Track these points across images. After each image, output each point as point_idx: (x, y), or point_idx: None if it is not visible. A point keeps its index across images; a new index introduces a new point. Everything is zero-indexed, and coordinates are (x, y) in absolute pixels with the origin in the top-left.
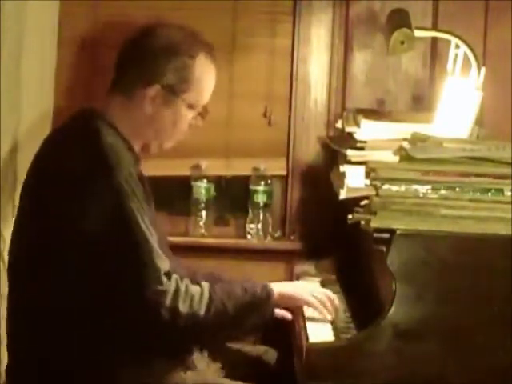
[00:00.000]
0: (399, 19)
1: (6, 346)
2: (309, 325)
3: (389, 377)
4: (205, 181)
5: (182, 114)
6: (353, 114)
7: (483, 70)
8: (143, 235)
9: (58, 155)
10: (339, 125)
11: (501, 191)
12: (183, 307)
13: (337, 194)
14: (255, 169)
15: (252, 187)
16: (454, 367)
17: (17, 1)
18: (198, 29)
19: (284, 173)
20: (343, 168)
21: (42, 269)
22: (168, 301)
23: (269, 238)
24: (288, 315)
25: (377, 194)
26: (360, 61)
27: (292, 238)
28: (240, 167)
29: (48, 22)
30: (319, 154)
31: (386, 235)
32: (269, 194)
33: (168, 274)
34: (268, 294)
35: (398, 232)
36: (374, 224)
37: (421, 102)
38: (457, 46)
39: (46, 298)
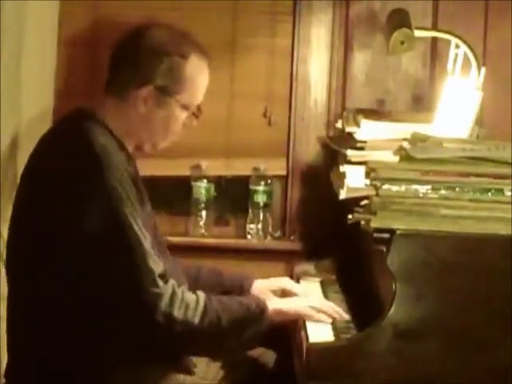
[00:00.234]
0: (399, 19)
1: (5, 346)
2: (309, 325)
3: (389, 377)
4: (205, 181)
5: (176, 115)
6: (353, 113)
7: (483, 69)
8: (136, 238)
9: (50, 156)
10: (339, 125)
11: (501, 191)
12: (178, 313)
13: (337, 194)
14: (255, 169)
15: (252, 187)
16: (454, 367)
17: (17, 1)
18: (198, 29)
19: (284, 173)
20: (343, 168)
21: (39, 270)
22: (163, 304)
23: (269, 237)
24: None
25: (377, 194)
26: (360, 61)
27: (292, 238)
28: (240, 167)
29: (48, 22)
30: (319, 154)
31: (386, 235)
32: (269, 194)
33: (163, 277)
34: (262, 309)
35: (398, 232)
36: (374, 224)
37: (421, 102)
38: (457, 46)
39: (43, 299)
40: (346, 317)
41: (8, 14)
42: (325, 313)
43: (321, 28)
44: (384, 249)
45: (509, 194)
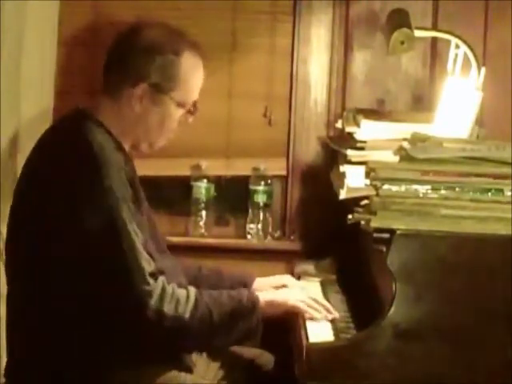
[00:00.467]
0: (399, 19)
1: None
2: (309, 325)
3: (389, 377)
4: (205, 181)
5: (171, 113)
6: (353, 113)
7: (483, 70)
8: (129, 237)
9: (48, 157)
10: (339, 125)
11: (501, 191)
12: (168, 309)
13: (337, 194)
14: (255, 169)
15: (252, 187)
16: (454, 367)
17: (17, 1)
18: (198, 29)
19: (284, 173)
20: (343, 168)
21: (38, 269)
22: (153, 301)
23: (269, 237)
24: None
25: (377, 194)
26: (360, 61)
27: (292, 238)
28: (240, 167)
29: (48, 21)
30: (319, 154)
31: (386, 235)
32: (269, 194)
33: (153, 275)
34: (254, 302)
35: (398, 232)
36: (374, 224)
37: (421, 102)
38: (457, 46)
39: (42, 299)
40: (336, 314)
41: (8, 14)
42: (314, 308)
43: (321, 28)
44: (384, 249)
45: (509, 193)
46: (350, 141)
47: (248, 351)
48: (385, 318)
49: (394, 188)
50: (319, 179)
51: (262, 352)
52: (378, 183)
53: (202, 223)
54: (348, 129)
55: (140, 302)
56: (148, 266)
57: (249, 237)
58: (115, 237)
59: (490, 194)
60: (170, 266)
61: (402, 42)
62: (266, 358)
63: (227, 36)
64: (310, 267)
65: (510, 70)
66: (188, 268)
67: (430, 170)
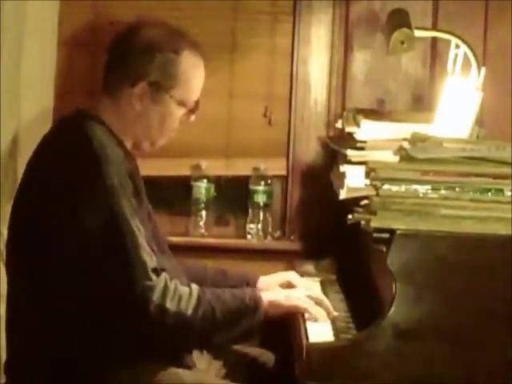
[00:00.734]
0: (399, 19)
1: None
2: (309, 325)
3: (389, 377)
4: (205, 181)
5: (172, 111)
6: (353, 113)
7: (483, 70)
8: (131, 232)
9: (50, 157)
10: (339, 125)
11: (501, 191)
12: (170, 305)
13: (337, 194)
14: (255, 169)
15: (252, 187)
16: (454, 367)
17: (17, 1)
18: (198, 29)
19: (284, 173)
20: (343, 168)
21: (38, 268)
22: (156, 297)
23: (269, 237)
24: None
25: (377, 194)
26: (360, 61)
27: (292, 238)
28: (240, 167)
29: (48, 22)
30: (319, 154)
31: (386, 235)
32: (269, 193)
33: (156, 271)
34: (256, 301)
35: (398, 232)
36: (374, 224)
37: (421, 102)
38: (457, 46)
39: (42, 297)
40: (335, 313)
41: (8, 14)
42: (320, 305)
43: (321, 28)
44: (384, 249)
45: (509, 193)
46: (350, 141)
47: (249, 350)
48: (385, 317)
49: (394, 188)
50: (319, 179)
51: (262, 351)
52: (378, 183)
53: (202, 223)
54: (348, 129)
55: (142, 297)
56: (151, 261)
57: (249, 237)
58: (117, 234)
59: (489, 194)
60: (171, 266)
61: (402, 42)
62: (267, 358)
63: (227, 36)
64: (310, 267)
65: (510, 70)
66: (193, 269)
67: (430, 170)
